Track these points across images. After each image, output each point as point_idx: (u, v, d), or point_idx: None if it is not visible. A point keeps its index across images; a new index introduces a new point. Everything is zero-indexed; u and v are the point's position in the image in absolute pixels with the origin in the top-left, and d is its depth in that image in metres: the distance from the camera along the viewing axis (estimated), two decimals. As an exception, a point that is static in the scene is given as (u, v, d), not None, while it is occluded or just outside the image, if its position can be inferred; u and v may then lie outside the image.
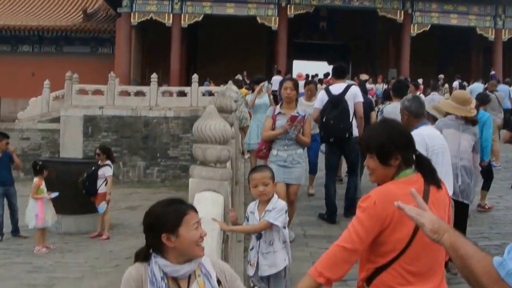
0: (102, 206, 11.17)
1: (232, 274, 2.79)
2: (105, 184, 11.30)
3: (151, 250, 2.62)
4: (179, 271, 2.57)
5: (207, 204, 4.38)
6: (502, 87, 16.97)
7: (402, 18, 29.71)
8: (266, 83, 12.81)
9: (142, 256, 2.64)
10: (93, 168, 11.59)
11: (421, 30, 29.91)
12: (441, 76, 25.78)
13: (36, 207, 10.22)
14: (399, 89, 7.79)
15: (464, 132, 6.38)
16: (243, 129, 13.54)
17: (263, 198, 4.61)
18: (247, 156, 13.00)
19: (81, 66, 27.65)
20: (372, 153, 2.88)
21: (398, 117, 5.44)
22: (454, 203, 6.04)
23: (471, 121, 6.47)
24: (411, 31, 29.79)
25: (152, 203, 2.70)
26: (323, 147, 9.34)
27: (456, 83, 24.10)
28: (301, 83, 13.85)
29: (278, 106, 7.38)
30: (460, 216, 6.06)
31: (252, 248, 4.72)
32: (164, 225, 2.55)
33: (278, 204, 4.61)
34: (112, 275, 8.40)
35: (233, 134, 8.21)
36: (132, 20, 28.65)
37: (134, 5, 28.73)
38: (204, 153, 4.82)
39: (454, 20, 30.27)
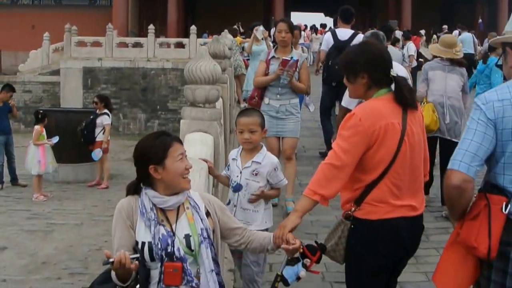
0: (97, 153, 11.07)
1: (221, 206, 2.83)
2: (103, 133, 11.25)
3: (141, 184, 2.65)
4: (167, 202, 2.60)
5: (196, 144, 4.31)
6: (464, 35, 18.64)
7: (401, -33, 29.17)
8: (261, 27, 12.36)
9: (133, 189, 2.67)
10: (91, 117, 11.48)
11: (422, -20, 29.38)
12: (445, 26, 25.34)
13: (38, 154, 10.35)
14: (385, 33, 7.70)
15: (450, 72, 6.51)
16: (238, 77, 13.38)
17: (248, 146, 4.03)
18: (243, 105, 12.77)
19: (80, 18, 27.37)
20: (343, 71, 3.02)
21: None
22: (440, 140, 6.51)
23: (458, 63, 6.59)
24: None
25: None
26: (308, 100, 8.79)
27: (455, 32, 23.73)
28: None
29: (272, 50, 6.59)
30: (447, 154, 5.85)
31: (229, 202, 4.10)
32: (151, 157, 2.58)
33: (271, 158, 4.10)
34: (110, 223, 8.30)
35: (225, 79, 8.10)
36: (129, -29, 28.15)
37: (131, -44, 28.20)
38: (193, 94, 4.76)
39: (458, -31, 29.61)
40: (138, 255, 2.45)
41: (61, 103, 20.95)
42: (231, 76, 11.12)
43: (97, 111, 11.56)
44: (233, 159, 4.13)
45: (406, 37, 16.98)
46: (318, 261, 2.83)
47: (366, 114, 2.82)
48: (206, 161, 3.94)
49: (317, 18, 40.94)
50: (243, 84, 12.90)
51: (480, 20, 25.63)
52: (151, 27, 22.28)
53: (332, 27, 14.92)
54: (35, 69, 22.33)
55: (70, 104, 20.05)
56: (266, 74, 6.30)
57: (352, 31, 8.33)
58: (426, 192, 6.51)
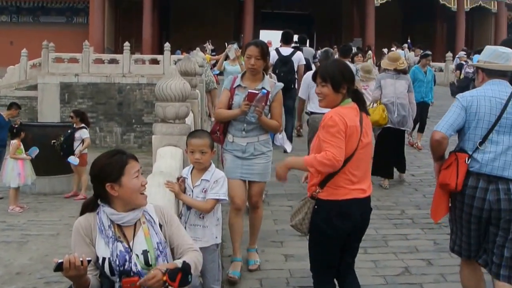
0: (73, 159, 10.96)
1: (171, 216, 2.79)
2: (82, 146, 11.21)
3: (99, 200, 2.64)
4: (124, 218, 2.58)
5: (167, 158, 4.35)
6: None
7: (365, -13, 29.62)
8: (234, 45, 12.15)
9: (91, 207, 2.64)
10: (69, 131, 11.40)
11: (384, 0, 29.78)
12: (405, 45, 25.85)
13: (18, 167, 10.31)
14: (344, 51, 10.34)
15: (397, 79, 8.21)
16: (210, 92, 13.43)
17: (198, 166, 3.98)
18: (213, 118, 12.78)
19: (57, 35, 27.36)
20: (327, 82, 3.50)
21: None
22: (392, 129, 8.04)
23: (402, 72, 8.34)
24: (375, 1, 29.66)
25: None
26: (281, 139, 8.82)
27: (393, 49, 24.46)
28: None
29: (238, 77, 4.96)
30: (399, 139, 8.27)
31: (181, 216, 4.01)
32: (108, 175, 2.56)
33: (217, 173, 4.03)
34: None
35: (196, 95, 8.14)
36: (105, -10, 28.09)
37: (107, -25, 28.16)
38: (164, 111, 4.80)
39: (417, -10, 30.24)
40: (90, 258, 2.42)
41: (39, 117, 20.75)
42: (203, 91, 11.16)
43: (74, 125, 11.47)
44: (184, 177, 4.06)
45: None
46: (181, 284, 2.50)
47: (339, 116, 3.40)
48: (174, 184, 3.89)
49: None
50: (214, 99, 12.94)
51: (408, 40, 27.03)
52: (126, 44, 22.25)
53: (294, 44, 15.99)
54: (13, 84, 22.06)
55: (47, 118, 19.87)
56: (230, 105, 4.85)
57: (292, 49, 10.07)
58: (403, 171, 8.57)
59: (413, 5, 32.31)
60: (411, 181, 8.62)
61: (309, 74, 6.88)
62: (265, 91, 4.66)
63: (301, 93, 7.62)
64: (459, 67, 18.18)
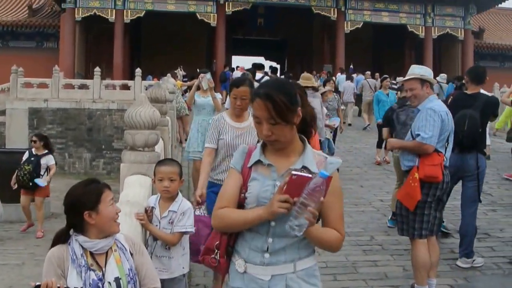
0: (41, 181, 10.26)
1: (140, 245, 2.87)
2: (47, 174, 10.50)
3: (71, 231, 2.67)
4: (97, 245, 2.63)
5: (135, 187, 4.32)
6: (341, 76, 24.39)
7: (335, 15, 30.07)
8: (208, 75, 11.77)
9: (63, 238, 2.67)
10: (32, 158, 10.43)
11: (354, 28, 30.31)
12: (368, 72, 26.20)
13: None
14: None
15: (312, 97, 8.73)
16: (181, 119, 13.43)
17: (166, 195, 3.94)
18: (184, 144, 12.60)
19: (27, 60, 27.07)
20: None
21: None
22: None
23: (314, 89, 9.46)
24: (345, 28, 30.15)
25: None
26: None
27: (338, 75, 25.16)
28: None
29: (258, 147, 2.61)
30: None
31: (147, 246, 3.86)
32: (84, 203, 2.62)
33: (184, 204, 3.98)
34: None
35: (166, 122, 8.13)
36: (76, 15, 28.01)
37: (78, 1, 28.11)
38: (133, 139, 4.78)
39: (385, 18, 30.82)
40: (66, 285, 2.46)
41: (6, 143, 20.36)
42: (173, 118, 11.14)
43: (33, 149, 10.54)
44: (152, 206, 4.00)
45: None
46: None
47: None
48: (144, 215, 3.88)
49: (257, 61, 41.44)
50: (186, 126, 12.92)
51: (351, 66, 27.78)
52: (97, 69, 22.09)
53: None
54: (-20, 109, 21.68)
55: (16, 144, 19.52)
56: (242, 200, 2.55)
57: (262, 74, 14.93)
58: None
59: (382, 31, 32.91)
60: (380, 206, 8.73)
61: None
62: (326, 174, 2.31)
63: None
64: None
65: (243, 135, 4.83)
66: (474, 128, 6.03)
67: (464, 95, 6.68)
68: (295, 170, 2.40)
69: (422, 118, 5.03)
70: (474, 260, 6.18)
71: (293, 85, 2.56)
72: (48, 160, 10.50)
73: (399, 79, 20.38)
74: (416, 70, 5.29)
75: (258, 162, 2.55)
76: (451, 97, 7.65)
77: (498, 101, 7.22)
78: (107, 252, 2.66)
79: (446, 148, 5.13)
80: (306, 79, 9.55)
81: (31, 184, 10.22)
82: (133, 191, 4.20)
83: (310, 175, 2.35)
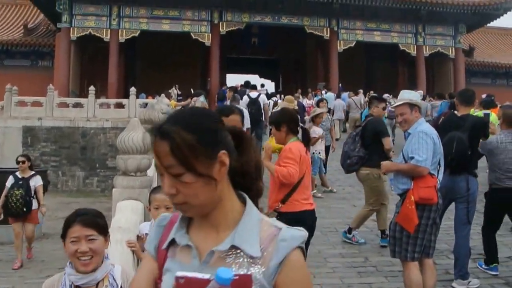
0: (40, 218, 9.96)
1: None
2: (36, 196, 9.83)
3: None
4: (81, 280, 2.54)
5: (127, 212, 4.27)
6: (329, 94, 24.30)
7: (328, 35, 30.25)
8: (201, 97, 11.49)
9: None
10: (20, 182, 9.81)
11: (347, 46, 30.46)
12: (360, 90, 26.32)
13: None
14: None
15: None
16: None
17: None
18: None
19: (21, 78, 27.05)
20: (271, 124, 5.30)
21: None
22: None
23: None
24: (338, 47, 30.29)
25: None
26: None
27: (324, 92, 25.27)
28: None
29: (179, 220, 1.65)
30: None
31: None
32: (63, 234, 2.61)
33: None
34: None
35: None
36: (71, 35, 28.04)
37: (73, 20, 28.16)
38: (125, 163, 4.74)
39: (378, 37, 31.01)
40: None
41: (0, 161, 20.27)
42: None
43: (18, 172, 9.95)
44: (147, 233, 3.89)
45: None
46: None
47: (294, 148, 4.98)
48: (135, 243, 3.84)
49: (252, 79, 41.49)
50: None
51: (340, 84, 28.39)
52: (91, 88, 22.07)
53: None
54: (-26, 127, 21.58)
55: (9, 162, 19.34)
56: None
57: (258, 93, 14.80)
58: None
59: (375, 50, 33.10)
60: (373, 227, 8.66)
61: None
62: (227, 278, 1.34)
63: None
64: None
65: None
66: (463, 150, 6.01)
67: (455, 116, 6.72)
68: (186, 271, 1.44)
69: (414, 141, 5.05)
70: (469, 282, 6.13)
71: (214, 118, 1.60)
72: (36, 181, 9.94)
73: (386, 95, 20.85)
74: (406, 95, 5.39)
75: (174, 242, 1.62)
76: (442, 117, 7.68)
77: (487, 122, 7.23)
78: (97, 285, 2.56)
79: (438, 171, 5.17)
80: (289, 102, 10.22)
81: (25, 209, 9.56)
82: (125, 216, 4.15)
83: (206, 277, 1.37)
